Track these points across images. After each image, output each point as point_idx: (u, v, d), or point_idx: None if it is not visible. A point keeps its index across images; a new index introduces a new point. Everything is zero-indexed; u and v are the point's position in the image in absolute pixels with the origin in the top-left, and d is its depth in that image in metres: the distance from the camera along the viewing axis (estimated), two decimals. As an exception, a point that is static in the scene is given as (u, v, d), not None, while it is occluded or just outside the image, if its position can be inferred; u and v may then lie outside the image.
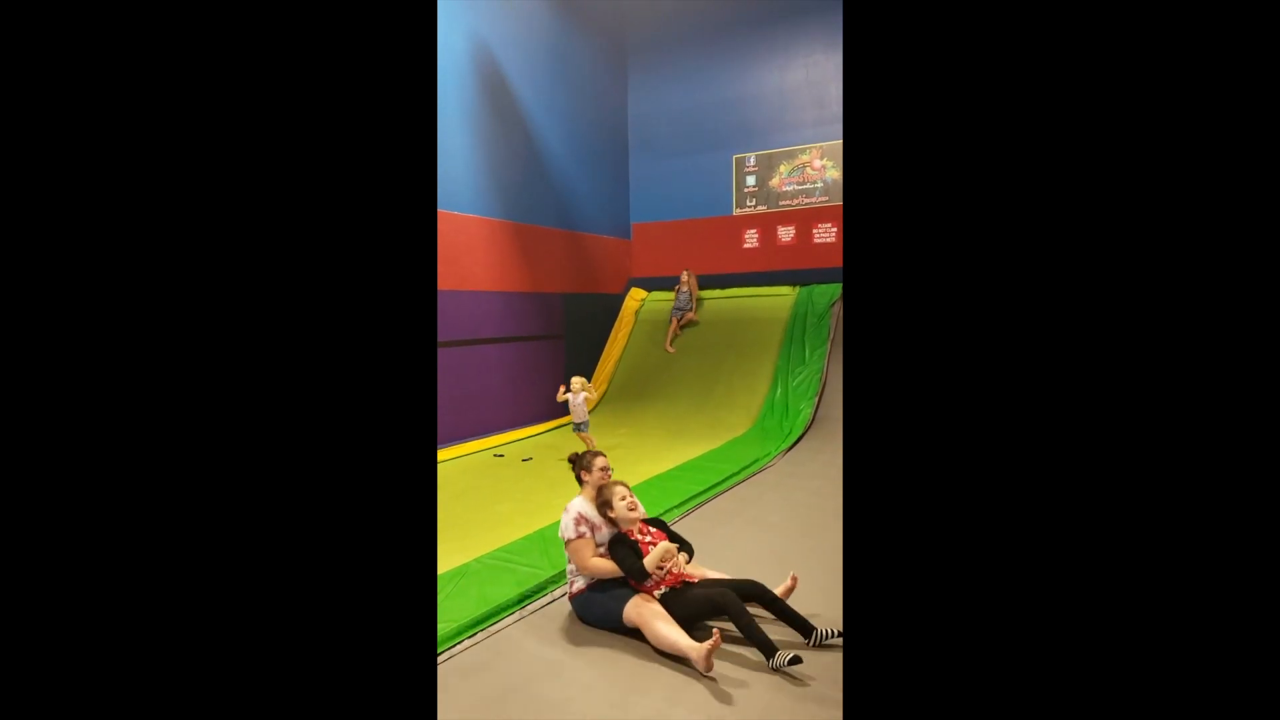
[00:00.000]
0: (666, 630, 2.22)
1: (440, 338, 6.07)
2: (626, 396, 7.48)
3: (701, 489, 4.35)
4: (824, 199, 8.17)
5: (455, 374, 6.19)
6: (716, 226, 8.77)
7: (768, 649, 2.12)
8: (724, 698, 2.03)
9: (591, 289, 8.36)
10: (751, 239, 8.60)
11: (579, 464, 2.69)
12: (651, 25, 8.76)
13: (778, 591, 2.41)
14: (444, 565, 3.09)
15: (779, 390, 6.71)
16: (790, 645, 2.24)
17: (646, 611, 2.30)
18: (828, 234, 8.13)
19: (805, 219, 8.30)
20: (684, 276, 8.03)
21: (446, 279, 6.17)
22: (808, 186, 8.30)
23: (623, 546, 2.44)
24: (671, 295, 8.13)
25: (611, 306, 8.50)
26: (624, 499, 2.50)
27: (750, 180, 8.60)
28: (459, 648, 2.41)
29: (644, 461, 5.09)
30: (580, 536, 2.48)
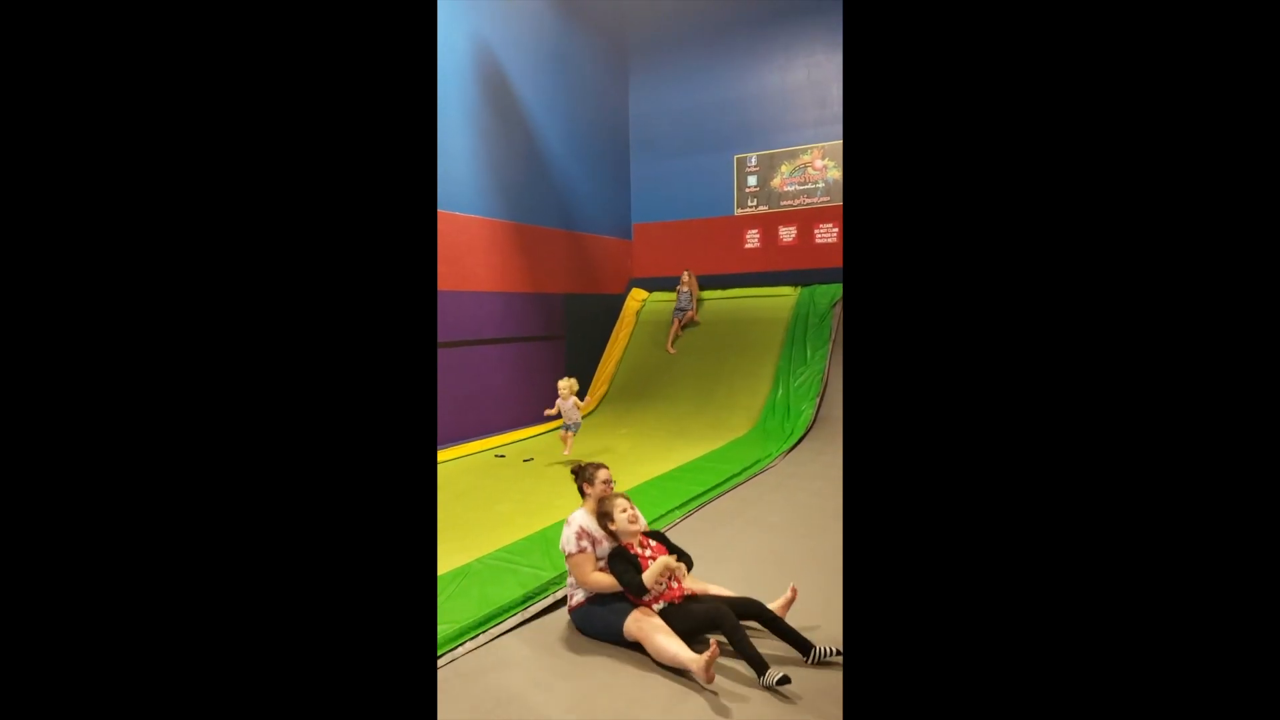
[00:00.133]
0: (667, 643, 2.22)
1: (442, 338, 6.07)
2: (628, 397, 7.48)
3: (703, 490, 4.34)
4: (825, 199, 8.16)
5: (457, 374, 6.19)
6: (718, 227, 8.77)
7: (759, 665, 2.11)
8: (722, 711, 2.02)
9: (592, 289, 8.36)
10: (753, 239, 8.59)
11: (581, 476, 2.68)
12: (653, 25, 8.75)
13: (776, 605, 2.40)
14: (445, 565, 3.09)
15: (780, 391, 6.70)
16: (789, 662, 2.22)
17: (647, 625, 2.30)
18: (829, 234, 8.12)
19: (807, 219, 8.30)
20: (685, 277, 8.03)
21: (448, 279, 6.17)
22: (809, 187, 8.29)
23: (622, 561, 2.43)
24: (673, 296, 8.13)
25: (612, 307, 8.50)
26: (625, 511, 2.49)
27: (752, 180, 8.60)
28: (458, 653, 2.40)
29: (645, 462, 5.08)
30: (581, 551, 2.47)
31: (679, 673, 2.19)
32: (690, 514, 3.99)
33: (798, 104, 8.22)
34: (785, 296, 7.83)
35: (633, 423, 6.72)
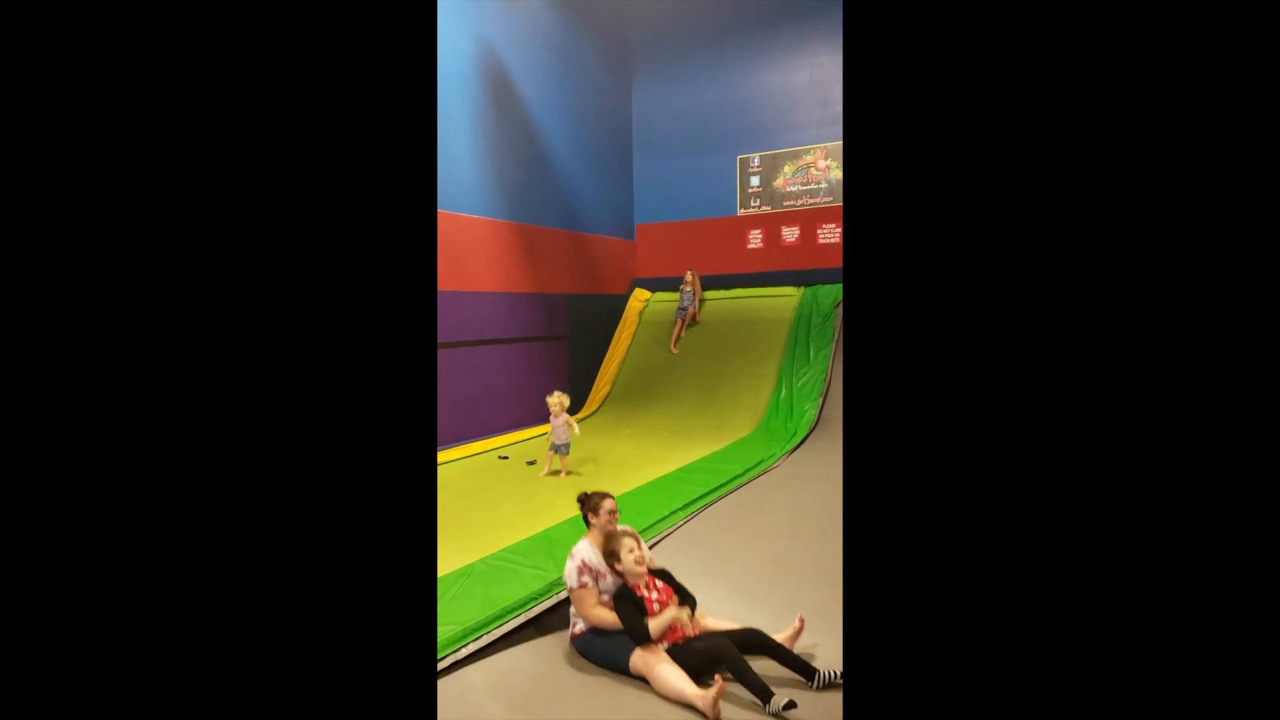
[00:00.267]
0: (673, 679, 2.21)
1: (445, 339, 6.08)
2: (630, 397, 7.48)
3: (706, 491, 4.34)
4: (828, 199, 8.15)
5: (460, 375, 6.19)
6: (720, 227, 8.76)
7: (764, 694, 2.10)
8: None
9: (595, 290, 8.36)
10: (756, 239, 8.58)
11: (586, 505, 2.66)
12: (655, 26, 8.75)
13: (783, 636, 2.39)
14: (449, 566, 3.09)
15: (783, 391, 6.69)
16: (792, 686, 2.20)
17: (652, 660, 2.29)
18: (832, 234, 8.11)
19: (810, 219, 8.28)
20: (688, 277, 8.03)
21: (451, 280, 6.18)
22: (812, 187, 8.28)
23: (628, 604, 2.40)
24: (676, 296, 8.13)
25: (615, 307, 8.50)
26: (631, 552, 2.46)
27: (755, 181, 8.59)
28: (461, 667, 2.39)
29: (648, 463, 5.08)
30: (583, 586, 2.46)
31: (685, 707, 2.16)
32: (694, 515, 3.99)
33: (801, 104, 8.21)
34: (788, 297, 7.82)
35: (636, 423, 6.72)
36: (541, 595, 2.82)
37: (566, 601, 2.73)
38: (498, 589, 2.84)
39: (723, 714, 2.09)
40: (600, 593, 2.47)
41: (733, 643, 2.25)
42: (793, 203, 8.41)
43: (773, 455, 5.31)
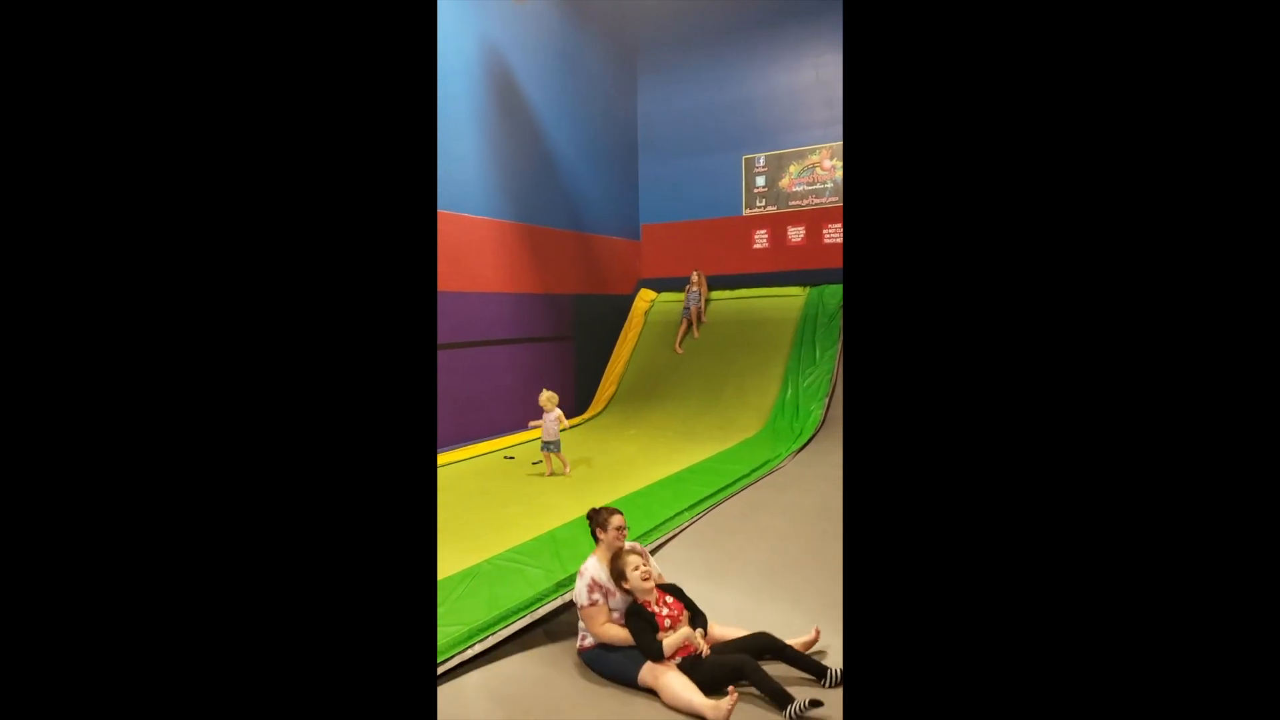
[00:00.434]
0: (682, 691, 2.20)
1: (450, 339, 6.09)
2: (636, 397, 7.48)
3: (712, 491, 4.33)
4: (834, 199, 8.13)
5: (465, 375, 6.20)
6: (726, 227, 8.75)
7: (783, 698, 2.10)
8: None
9: (601, 290, 8.37)
10: (761, 239, 8.57)
11: (595, 521, 2.65)
12: (660, 26, 8.75)
13: (799, 644, 2.39)
14: (455, 566, 3.10)
15: (790, 391, 6.68)
16: (802, 685, 2.20)
17: (660, 671, 2.28)
18: (838, 234, 8.09)
19: (815, 219, 8.27)
20: (694, 277, 8.02)
21: (457, 281, 6.19)
22: (817, 187, 8.26)
23: (640, 620, 2.39)
24: (681, 296, 8.12)
25: (621, 307, 8.50)
26: (638, 569, 2.46)
27: (760, 181, 8.58)
28: (466, 671, 2.38)
29: (654, 463, 5.08)
30: (593, 604, 2.45)
31: (693, 717, 2.16)
32: (700, 515, 3.98)
33: (806, 104, 8.20)
34: (794, 297, 7.81)
35: (641, 423, 6.72)
36: (547, 596, 2.82)
37: (572, 604, 2.73)
38: (503, 589, 2.84)
39: (737, 717, 2.08)
40: (610, 610, 2.46)
41: (746, 651, 2.25)
42: (798, 203, 8.39)
43: (779, 456, 5.30)
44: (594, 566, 2.52)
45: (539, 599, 2.79)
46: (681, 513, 3.92)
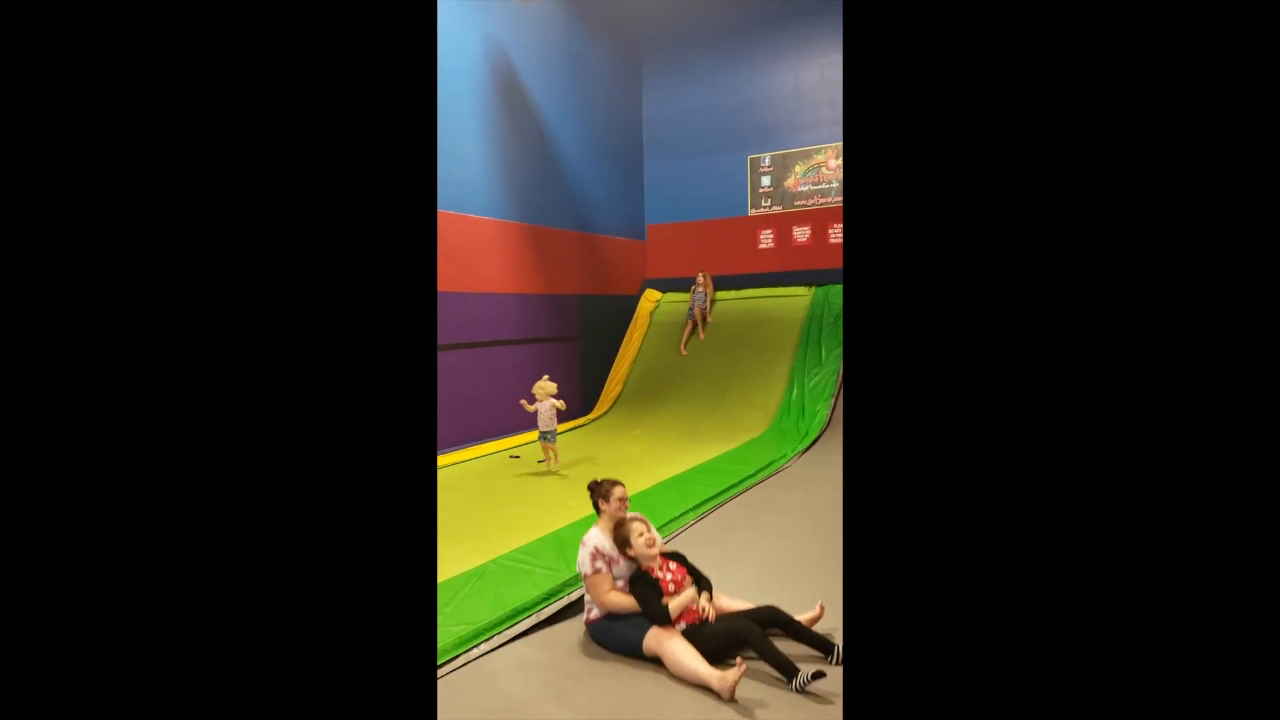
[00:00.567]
0: (687, 659, 2.20)
1: (456, 340, 6.10)
2: (641, 398, 7.48)
3: (717, 491, 4.33)
4: (839, 199, 8.11)
5: (471, 375, 6.22)
6: (731, 227, 8.74)
7: (788, 670, 2.10)
8: (748, 714, 2.01)
9: (606, 290, 8.37)
10: (767, 239, 8.56)
11: (597, 492, 2.66)
12: (666, 27, 8.75)
13: (804, 619, 2.39)
14: (460, 566, 3.10)
15: (795, 391, 6.67)
16: (811, 661, 2.21)
17: (666, 640, 2.28)
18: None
19: (821, 219, 8.25)
20: (700, 278, 8.02)
21: (463, 281, 6.21)
22: (823, 186, 8.25)
23: (644, 585, 2.40)
24: (687, 296, 8.12)
25: (626, 308, 8.51)
26: (642, 535, 2.47)
27: (765, 181, 8.57)
28: (472, 656, 2.40)
29: (660, 463, 5.07)
30: (597, 572, 2.46)
31: (699, 687, 2.17)
32: (705, 515, 3.98)
33: (811, 104, 8.18)
34: (800, 297, 7.80)
35: (647, 423, 6.72)
36: (553, 595, 2.82)
37: (578, 601, 2.73)
38: (509, 589, 2.84)
39: (740, 693, 2.09)
40: (614, 579, 2.48)
41: (753, 621, 2.25)
42: (804, 202, 8.37)
43: (784, 456, 5.29)
44: (596, 536, 2.53)
45: (545, 599, 2.79)
46: (686, 512, 3.92)
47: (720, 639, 2.27)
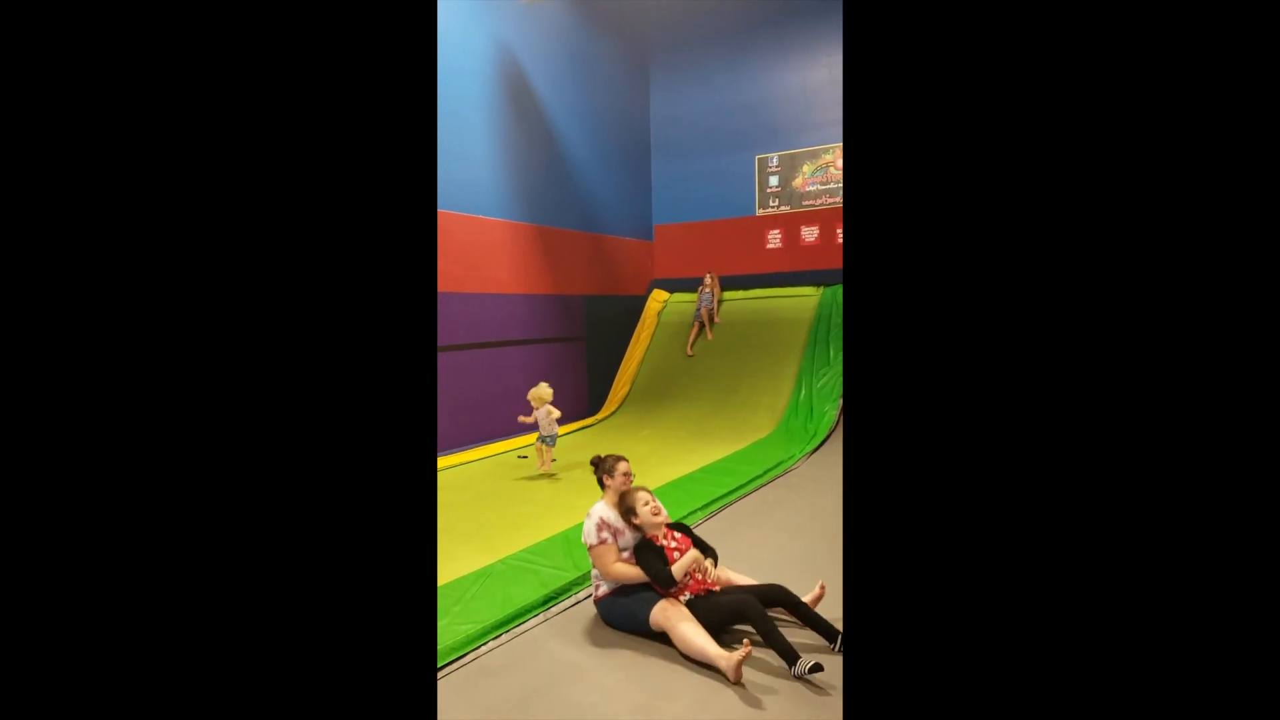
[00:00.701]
0: (695, 636, 2.21)
1: (464, 340, 6.12)
2: (649, 398, 7.47)
3: (725, 491, 4.32)
4: (848, 198, 8.09)
5: (479, 376, 6.23)
6: (739, 227, 8.73)
7: (789, 656, 2.10)
8: (754, 702, 2.01)
9: (614, 291, 8.38)
10: (775, 239, 8.54)
11: (601, 468, 2.69)
12: (673, 27, 8.75)
13: (806, 599, 2.39)
14: (468, 566, 3.11)
15: (803, 392, 6.65)
16: (815, 649, 2.21)
17: (674, 616, 2.29)
18: (852, 234, 8.04)
19: (829, 219, 8.23)
20: (707, 279, 8.01)
21: (470, 282, 6.22)
22: (831, 186, 8.22)
23: (649, 552, 2.43)
24: (694, 296, 8.11)
25: (633, 308, 8.50)
26: (647, 504, 2.50)
27: (773, 180, 8.55)
28: (483, 649, 2.41)
29: (667, 464, 5.07)
30: (603, 542, 2.47)
31: (707, 666, 2.17)
32: (713, 515, 3.97)
33: (819, 103, 8.16)
34: (808, 297, 7.77)
35: (654, 424, 6.71)
36: (561, 595, 2.83)
37: (586, 600, 2.73)
38: (517, 589, 2.85)
39: (745, 676, 2.10)
40: (620, 550, 2.49)
41: (757, 599, 2.25)
42: (812, 202, 8.35)
43: (792, 457, 5.27)
44: (602, 508, 2.56)
45: (552, 598, 2.79)
46: (694, 512, 3.91)
47: (722, 611, 2.28)
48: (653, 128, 9.24)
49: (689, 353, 7.76)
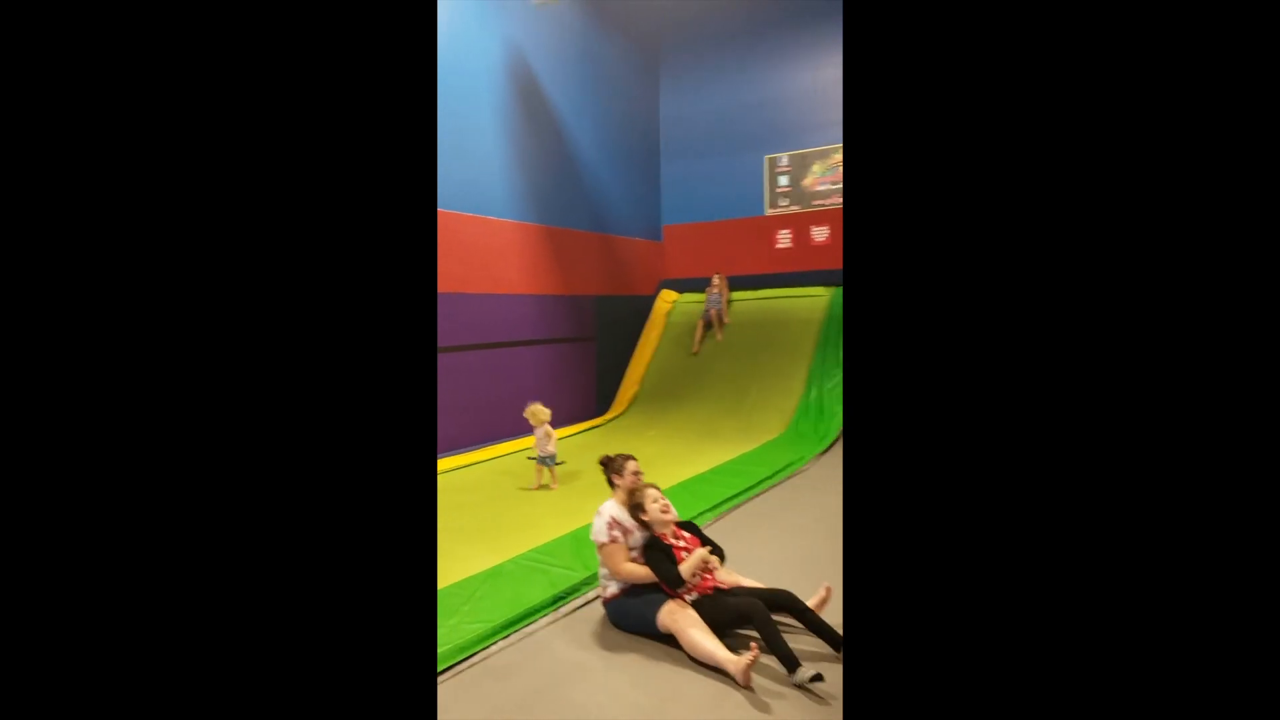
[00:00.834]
0: (703, 639, 2.21)
1: (475, 340, 6.14)
2: (658, 398, 7.46)
3: (735, 493, 4.30)
4: (858, 198, 8.05)
5: (489, 376, 6.25)
6: (749, 227, 8.71)
7: (790, 662, 2.09)
8: (762, 706, 2.00)
9: (623, 291, 8.38)
10: (784, 239, 8.51)
11: (610, 467, 2.69)
12: (683, 27, 8.74)
13: (811, 603, 2.38)
14: (478, 565, 3.11)
15: (813, 393, 6.62)
16: (819, 656, 2.19)
17: (682, 618, 2.28)
18: (862, 234, 8.00)
19: (839, 219, 8.19)
20: (715, 280, 7.99)
21: (480, 283, 6.24)
22: (841, 186, 8.19)
23: (657, 552, 2.43)
24: (703, 296, 8.09)
25: (643, 308, 8.50)
26: (656, 501, 2.50)
27: (783, 180, 8.52)
28: (491, 649, 2.42)
29: (676, 464, 5.06)
30: (613, 541, 2.47)
31: (715, 669, 2.17)
32: (722, 516, 3.96)
33: (829, 102, 8.13)
34: (818, 297, 7.74)
35: (663, 424, 6.71)
36: (570, 595, 2.83)
37: (594, 600, 2.73)
38: (526, 589, 2.85)
39: (753, 680, 2.09)
40: (629, 549, 2.48)
41: (762, 603, 2.25)
42: (822, 202, 8.32)
43: (802, 458, 5.25)
44: (612, 506, 2.56)
45: (561, 598, 2.79)
46: (704, 513, 3.90)
47: (728, 612, 2.28)
48: (662, 128, 9.23)
49: (695, 350, 7.75)
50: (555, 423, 5.12)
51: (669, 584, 2.35)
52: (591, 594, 2.82)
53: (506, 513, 4.08)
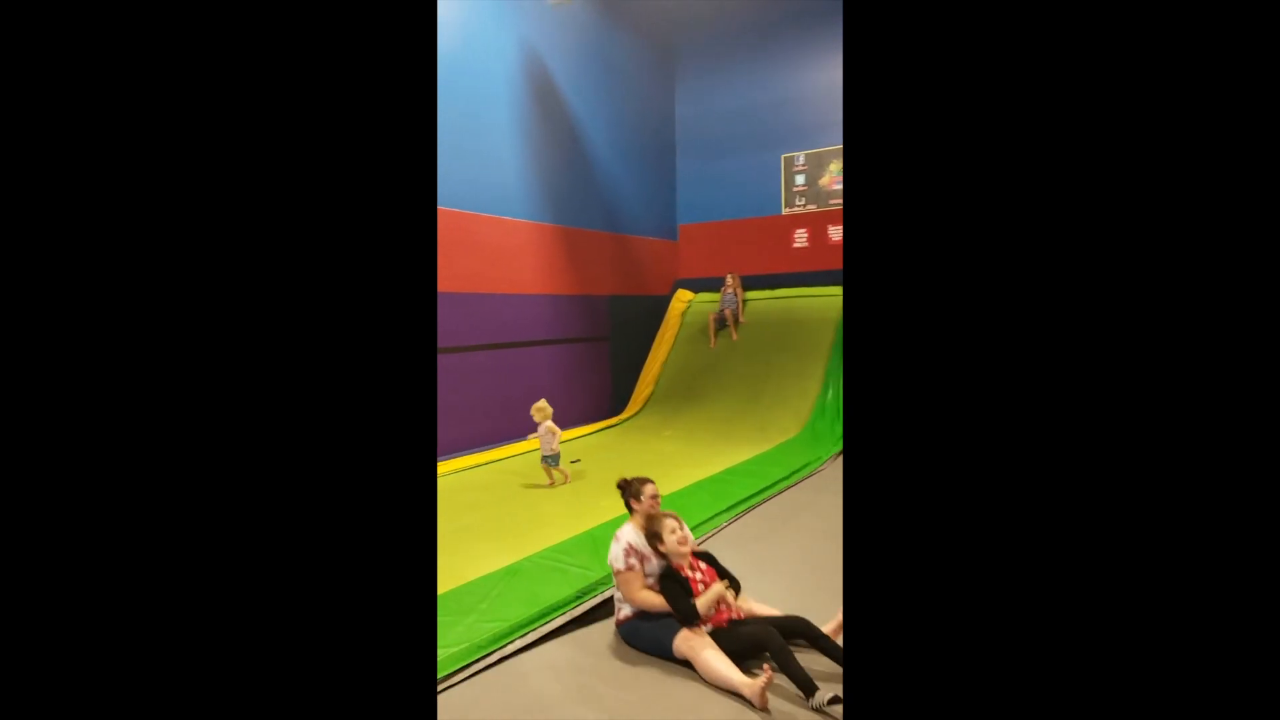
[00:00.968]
0: (718, 664, 2.19)
1: (489, 340, 6.16)
2: (673, 398, 7.45)
3: (751, 494, 4.28)
4: (876, 197, 7.98)
5: (504, 376, 6.27)
6: (765, 226, 8.67)
7: (807, 687, 2.07)
8: (779, 726, 1.98)
9: (638, 291, 8.37)
10: (801, 239, 8.46)
11: (628, 490, 2.67)
12: (698, 26, 8.72)
13: (829, 628, 2.35)
14: (494, 564, 3.12)
15: (830, 393, 6.57)
16: (834, 677, 2.16)
17: (697, 644, 2.27)
18: (880, 233, 7.94)
19: (856, 218, 8.13)
20: (728, 280, 7.97)
21: (497, 283, 6.26)
22: (859, 185, 8.12)
23: (674, 584, 2.40)
24: (718, 296, 8.07)
25: (657, 308, 8.49)
26: (674, 533, 2.47)
27: (800, 179, 8.47)
28: (505, 654, 2.41)
29: (692, 465, 5.04)
30: (630, 569, 2.46)
31: (729, 693, 2.15)
32: (738, 518, 3.94)
33: (847, 101, 8.06)
34: (834, 296, 7.68)
35: (678, 424, 6.69)
36: (586, 594, 2.82)
37: (609, 601, 2.72)
38: (543, 587, 2.85)
39: (772, 702, 2.06)
40: (646, 576, 2.47)
41: (777, 630, 2.23)
42: (838, 201, 8.25)
43: (819, 459, 5.21)
44: (630, 532, 2.54)
45: (578, 597, 2.79)
46: (720, 514, 3.89)
47: (743, 642, 2.26)
48: (678, 127, 9.21)
49: (712, 345, 7.74)
50: (571, 422, 5.12)
51: (685, 620, 2.33)
52: (608, 592, 2.81)
53: (522, 511, 4.09)
